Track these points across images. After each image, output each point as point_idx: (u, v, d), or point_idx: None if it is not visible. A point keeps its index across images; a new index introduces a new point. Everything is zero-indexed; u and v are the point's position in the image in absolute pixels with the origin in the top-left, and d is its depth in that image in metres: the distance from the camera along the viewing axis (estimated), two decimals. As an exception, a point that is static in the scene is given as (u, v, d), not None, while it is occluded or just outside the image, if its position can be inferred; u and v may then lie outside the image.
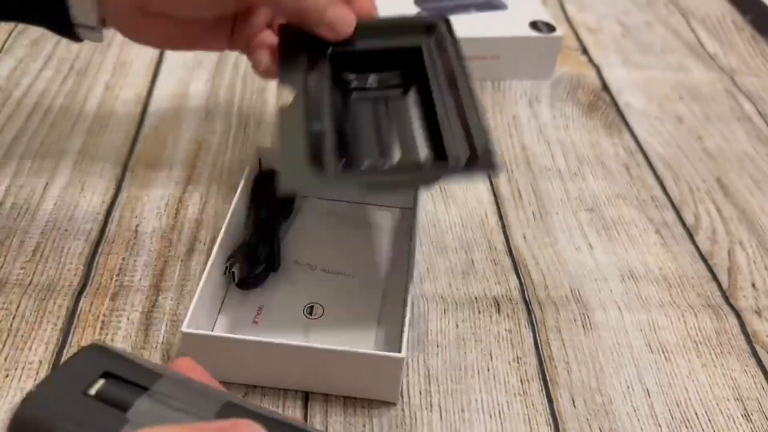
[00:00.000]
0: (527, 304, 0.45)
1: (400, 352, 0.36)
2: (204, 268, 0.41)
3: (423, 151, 0.40)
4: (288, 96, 0.40)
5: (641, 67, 0.70)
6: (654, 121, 0.63)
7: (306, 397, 0.39)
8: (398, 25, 0.45)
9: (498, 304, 0.45)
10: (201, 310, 0.38)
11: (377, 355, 0.37)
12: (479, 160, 0.36)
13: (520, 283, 0.46)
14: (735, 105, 0.66)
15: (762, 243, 0.51)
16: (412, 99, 0.44)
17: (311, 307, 0.42)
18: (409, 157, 0.40)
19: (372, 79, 0.45)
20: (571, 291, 0.46)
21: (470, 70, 0.41)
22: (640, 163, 0.58)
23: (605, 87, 0.67)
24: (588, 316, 0.45)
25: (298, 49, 0.42)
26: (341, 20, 0.41)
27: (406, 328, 0.37)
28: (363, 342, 0.41)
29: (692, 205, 0.54)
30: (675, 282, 0.48)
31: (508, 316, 0.44)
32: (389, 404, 0.38)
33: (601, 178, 0.56)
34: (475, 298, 0.45)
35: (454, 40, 0.44)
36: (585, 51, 0.72)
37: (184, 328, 0.35)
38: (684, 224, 0.52)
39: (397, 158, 0.40)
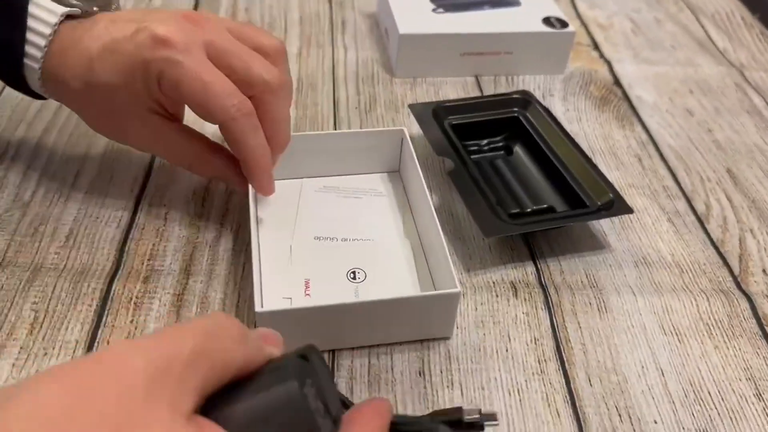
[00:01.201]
0: (544, 288, 0.47)
1: (455, 287, 0.40)
2: (229, 254, 0.43)
3: (551, 196, 0.52)
4: (448, 163, 0.51)
5: (652, 62, 0.71)
6: (665, 114, 0.64)
7: (333, 356, 0.40)
8: (499, 101, 0.58)
9: (515, 289, 0.46)
10: (257, 291, 0.40)
11: (439, 295, 0.41)
12: (615, 204, 0.48)
13: (537, 269, 0.48)
14: (744, 98, 0.67)
15: (772, 231, 0.53)
16: (519, 157, 0.56)
17: (353, 272, 0.45)
18: (541, 201, 0.52)
19: (484, 143, 0.57)
20: (587, 276, 0.48)
21: (566, 130, 0.55)
22: (652, 155, 0.59)
23: (617, 81, 0.68)
24: (603, 300, 0.46)
25: (431, 122, 0.55)
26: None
27: (452, 267, 0.40)
28: (412, 292, 0.44)
29: (703, 195, 0.55)
30: (687, 268, 0.49)
31: (525, 299, 0.46)
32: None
33: (614, 169, 0.57)
34: (493, 282, 0.47)
35: (546, 109, 0.57)
36: (597, 47, 0.73)
37: (258, 309, 0.37)
38: (695, 213, 0.54)
39: (532, 203, 0.51)
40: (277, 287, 0.44)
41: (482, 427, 0.31)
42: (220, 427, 0.22)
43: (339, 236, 0.47)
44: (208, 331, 0.23)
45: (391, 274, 0.45)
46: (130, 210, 0.49)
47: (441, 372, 0.41)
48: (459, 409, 0.31)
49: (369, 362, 0.41)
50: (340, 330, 0.40)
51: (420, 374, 0.41)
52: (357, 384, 0.40)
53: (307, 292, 0.43)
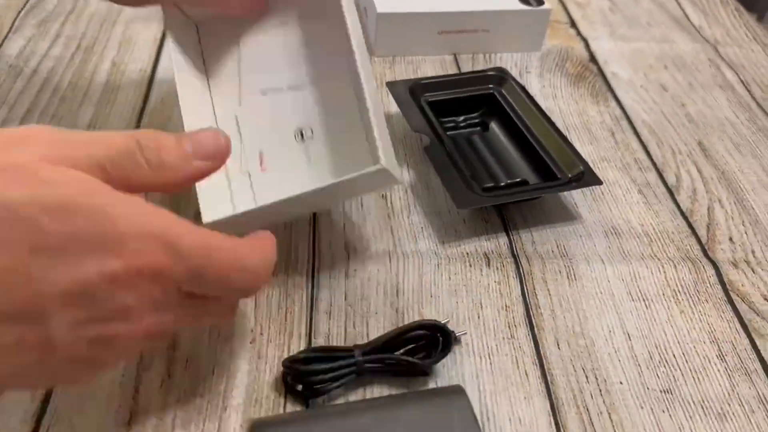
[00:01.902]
0: (516, 258, 0.48)
1: (378, 163, 0.37)
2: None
3: (525, 170, 0.53)
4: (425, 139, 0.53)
5: (628, 39, 0.72)
6: (639, 90, 0.65)
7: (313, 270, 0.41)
8: (475, 78, 0.59)
9: (488, 259, 0.48)
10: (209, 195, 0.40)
11: (364, 174, 0.38)
12: (585, 176, 0.49)
13: (509, 240, 0.49)
14: (718, 73, 0.68)
15: (740, 201, 0.54)
16: (495, 133, 0.57)
17: (301, 132, 0.46)
18: (515, 175, 0.53)
19: (460, 120, 0.58)
20: (558, 246, 0.49)
21: (540, 105, 0.56)
22: (625, 129, 0.60)
23: (593, 58, 0.69)
24: (573, 269, 0.47)
25: (408, 99, 0.56)
26: None
27: (377, 137, 0.38)
28: (360, 154, 0.43)
29: (674, 167, 0.57)
30: (656, 237, 0.50)
31: (497, 269, 0.47)
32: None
33: (587, 143, 0.58)
34: (467, 253, 0.48)
35: (520, 86, 0.58)
36: (574, 24, 0.74)
37: (205, 220, 0.38)
38: (666, 184, 0.55)
39: (506, 177, 0.53)
40: (235, 166, 0.44)
41: (457, 338, 0.41)
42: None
43: (285, 84, 0.47)
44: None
45: (342, 131, 0.45)
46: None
47: (415, 338, 0.42)
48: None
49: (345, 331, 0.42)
50: (291, 212, 0.43)
51: (394, 341, 0.42)
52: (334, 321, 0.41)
53: (263, 167, 0.44)
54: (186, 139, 0.31)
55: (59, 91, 0.58)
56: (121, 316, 0.27)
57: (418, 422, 0.33)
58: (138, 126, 0.55)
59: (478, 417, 0.37)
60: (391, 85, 0.57)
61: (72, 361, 0.27)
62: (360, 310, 0.44)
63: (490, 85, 0.59)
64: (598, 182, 0.49)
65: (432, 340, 0.40)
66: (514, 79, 0.59)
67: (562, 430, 0.38)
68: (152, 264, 0.27)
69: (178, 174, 0.30)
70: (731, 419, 0.40)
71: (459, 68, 0.66)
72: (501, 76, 0.59)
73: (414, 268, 0.46)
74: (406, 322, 0.43)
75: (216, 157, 0.32)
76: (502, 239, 0.49)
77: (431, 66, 0.66)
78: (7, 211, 0.24)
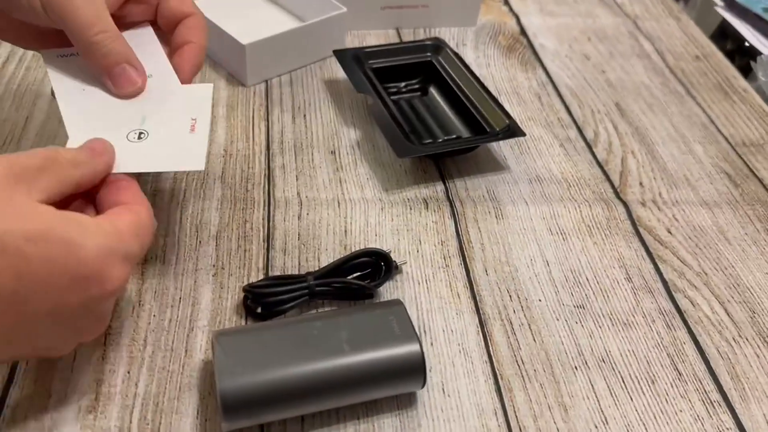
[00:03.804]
0: (451, 202, 0.54)
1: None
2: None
3: (460, 128, 0.60)
4: (369, 99, 0.58)
5: (555, 15, 0.79)
6: (564, 59, 0.72)
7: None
8: (414, 47, 0.65)
9: (426, 203, 0.53)
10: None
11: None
12: (511, 129, 0.56)
13: (446, 188, 0.55)
14: (636, 44, 0.75)
15: (650, 152, 0.61)
16: (434, 96, 0.63)
17: (139, 134, 0.41)
18: (451, 133, 0.59)
19: (402, 86, 0.64)
20: (488, 192, 0.55)
21: (473, 71, 0.62)
22: (550, 93, 0.67)
23: (523, 32, 0.76)
24: (500, 209, 0.53)
25: (353, 66, 0.61)
26: (125, 81, 0.43)
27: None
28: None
29: (593, 124, 0.63)
30: (574, 182, 0.57)
31: (434, 211, 0.53)
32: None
33: (516, 105, 0.65)
34: (408, 199, 0.54)
35: (456, 54, 0.64)
36: (507, 2, 0.81)
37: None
38: (585, 139, 0.62)
39: (443, 135, 0.59)
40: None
41: (397, 267, 0.47)
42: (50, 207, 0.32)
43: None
44: (48, 156, 0.34)
45: (174, 133, 0.41)
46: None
47: (360, 269, 0.48)
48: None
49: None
50: None
51: (342, 271, 0.47)
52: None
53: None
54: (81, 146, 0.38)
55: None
56: (96, 318, 0.35)
57: (361, 324, 0.38)
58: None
59: (416, 329, 0.43)
60: (338, 53, 0.62)
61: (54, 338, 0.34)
62: (312, 247, 0.49)
63: (428, 53, 0.64)
64: (522, 134, 0.56)
65: (376, 267, 0.46)
66: (449, 47, 0.64)
67: (488, 337, 0.44)
68: (123, 280, 0.33)
69: (98, 168, 0.37)
70: (635, 327, 0.46)
71: (401, 41, 0.72)
72: (438, 45, 0.65)
73: (360, 212, 0.52)
74: (352, 256, 0.48)
75: (108, 152, 0.38)
76: (439, 187, 0.55)
77: (376, 39, 0.71)
78: None
